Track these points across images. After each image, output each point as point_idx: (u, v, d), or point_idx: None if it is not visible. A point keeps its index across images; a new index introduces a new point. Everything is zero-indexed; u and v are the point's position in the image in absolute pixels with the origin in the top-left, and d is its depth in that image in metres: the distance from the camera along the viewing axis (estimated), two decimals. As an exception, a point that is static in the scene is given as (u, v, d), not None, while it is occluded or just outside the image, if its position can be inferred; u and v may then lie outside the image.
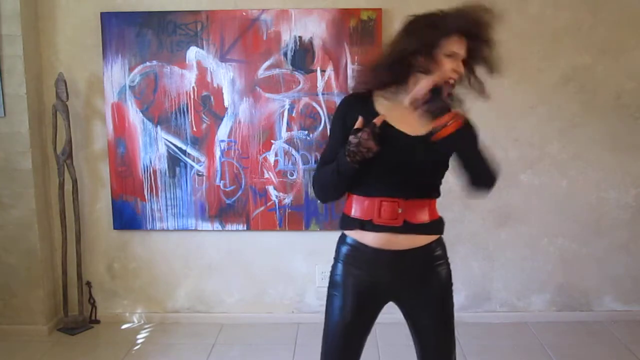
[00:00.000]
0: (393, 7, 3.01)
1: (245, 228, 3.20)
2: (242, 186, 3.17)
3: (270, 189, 3.16)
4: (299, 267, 3.27)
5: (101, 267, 3.29)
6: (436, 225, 1.70)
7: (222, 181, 3.17)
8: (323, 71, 3.06)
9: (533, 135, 3.14)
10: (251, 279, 3.28)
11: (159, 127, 3.13)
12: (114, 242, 3.26)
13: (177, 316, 3.31)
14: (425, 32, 1.55)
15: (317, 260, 3.26)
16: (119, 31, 3.05)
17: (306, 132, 3.12)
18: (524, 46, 3.06)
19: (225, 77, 3.09)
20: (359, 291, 1.68)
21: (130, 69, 3.09)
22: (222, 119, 3.12)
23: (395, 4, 3.01)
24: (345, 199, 1.72)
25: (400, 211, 1.61)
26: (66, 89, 3.01)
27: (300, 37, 3.04)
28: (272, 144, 3.13)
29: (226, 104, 3.11)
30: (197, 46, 3.06)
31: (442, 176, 1.70)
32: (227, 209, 3.18)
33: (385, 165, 1.59)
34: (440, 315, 1.72)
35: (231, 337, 3.12)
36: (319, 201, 1.64)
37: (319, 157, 1.64)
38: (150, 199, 3.18)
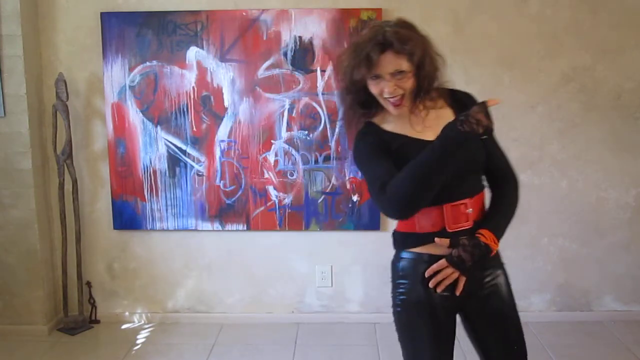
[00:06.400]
0: (393, 7, 3.01)
1: (245, 228, 3.20)
2: (242, 186, 3.16)
3: (270, 189, 3.16)
4: (299, 267, 3.27)
5: (101, 267, 3.29)
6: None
7: (222, 181, 3.17)
8: (323, 71, 3.06)
9: (533, 135, 3.14)
10: (251, 279, 3.28)
11: (159, 127, 3.13)
12: (114, 242, 3.26)
13: (177, 316, 3.31)
14: (345, 72, 1.55)
15: (317, 260, 3.26)
16: (119, 31, 3.05)
17: (306, 132, 3.12)
18: (524, 46, 3.06)
19: (225, 77, 3.09)
20: (441, 308, 1.63)
21: (130, 69, 3.09)
22: (222, 119, 3.12)
23: (395, 4, 3.01)
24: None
25: (469, 212, 1.58)
26: (66, 89, 3.01)
27: (300, 37, 3.04)
28: (272, 144, 3.13)
29: (226, 104, 3.11)
30: (197, 46, 3.06)
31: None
32: (227, 209, 3.18)
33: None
34: (509, 318, 1.74)
35: (231, 337, 3.12)
36: (395, 216, 1.55)
37: (376, 181, 1.51)
38: (150, 199, 3.18)
